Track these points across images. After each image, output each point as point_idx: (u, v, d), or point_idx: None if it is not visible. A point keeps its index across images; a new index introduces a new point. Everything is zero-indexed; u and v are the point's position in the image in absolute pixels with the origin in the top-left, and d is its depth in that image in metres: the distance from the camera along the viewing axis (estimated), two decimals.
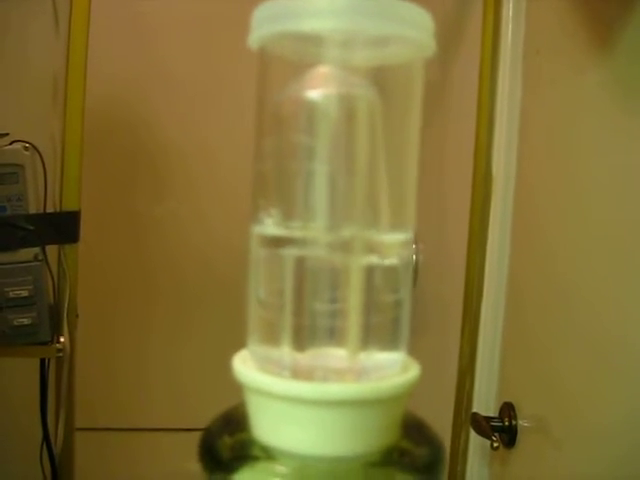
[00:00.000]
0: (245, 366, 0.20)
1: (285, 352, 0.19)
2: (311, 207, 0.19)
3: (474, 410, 1.13)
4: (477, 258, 1.13)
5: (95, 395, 1.53)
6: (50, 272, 1.16)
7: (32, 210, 1.12)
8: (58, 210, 1.16)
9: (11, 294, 1.11)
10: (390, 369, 0.20)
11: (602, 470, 0.87)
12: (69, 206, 1.15)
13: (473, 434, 1.13)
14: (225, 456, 0.19)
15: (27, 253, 1.13)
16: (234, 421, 0.20)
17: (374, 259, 0.20)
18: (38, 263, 1.13)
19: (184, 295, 1.77)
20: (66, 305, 1.16)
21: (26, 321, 1.12)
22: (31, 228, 1.12)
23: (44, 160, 1.15)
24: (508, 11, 1.11)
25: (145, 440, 1.76)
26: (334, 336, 0.19)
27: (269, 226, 0.20)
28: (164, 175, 1.75)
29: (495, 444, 1.03)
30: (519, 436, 1.05)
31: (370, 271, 0.20)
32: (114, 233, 1.71)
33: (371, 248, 0.20)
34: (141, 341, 1.76)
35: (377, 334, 0.20)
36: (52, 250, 1.17)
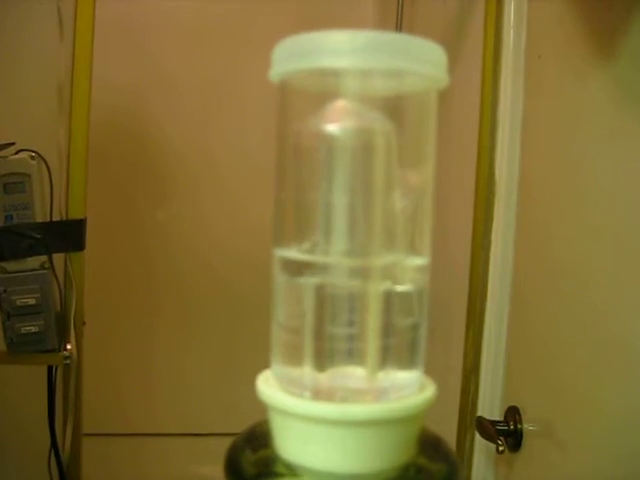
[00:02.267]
0: (268, 387, 0.21)
1: (306, 373, 0.20)
2: (331, 235, 0.19)
3: (479, 414, 1.13)
4: (481, 262, 1.13)
5: (101, 401, 1.54)
6: (57, 280, 1.17)
7: (38, 218, 1.13)
8: (64, 218, 1.16)
9: (18, 302, 1.12)
10: (408, 389, 0.20)
11: (607, 473, 0.87)
12: (75, 214, 1.16)
13: (478, 438, 1.13)
14: (249, 472, 0.20)
15: (34, 261, 1.14)
16: (257, 438, 0.21)
17: (392, 284, 0.20)
18: (45, 271, 1.14)
19: (188, 300, 1.78)
20: (73, 312, 1.17)
21: (33, 329, 1.13)
22: (38, 237, 1.13)
23: (50, 169, 1.16)
24: (510, 16, 1.12)
25: (150, 445, 1.76)
26: (353, 357, 0.20)
27: (291, 251, 0.20)
28: (167, 181, 1.76)
29: (501, 448, 1.03)
30: (524, 440, 1.05)
31: (388, 295, 0.20)
32: (118, 240, 1.72)
33: (389, 273, 0.20)
34: (146, 347, 1.77)
35: (395, 355, 0.20)
36: (58, 258, 1.18)
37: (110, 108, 1.56)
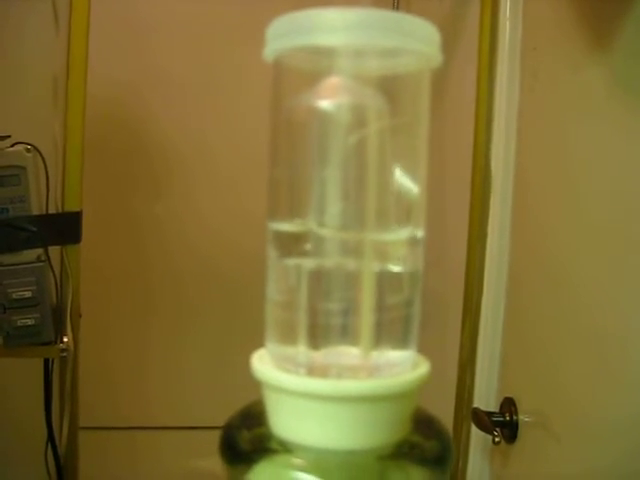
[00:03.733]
0: (263, 364, 0.21)
1: (301, 350, 0.20)
2: (324, 210, 0.19)
3: (475, 405, 1.14)
4: (477, 254, 1.14)
5: (96, 394, 1.54)
6: (53, 273, 1.17)
7: (34, 211, 1.13)
8: (60, 211, 1.16)
9: (15, 295, 1.12)
10: (401, 366, 0.21)
11: (602, 464, 0.88)
12: (71, 207, 1.16)
13: (474, 429, 1.14)
14: (245, 449, 0.20)
15: (30, 254, 1.14)
16: (253, 416, 0.21)
17: (385, 260, 0.20)
18: (41, 264, 1.14)
19: (184, 294, 1.78)
20: (69, 305, 1.16)
21: (29, 322, 1.13)
22: (34, 229, 1.13)
23: (46, 162, 1.16)
24: (506, 8, 1.12)
25: (146, 438, 1.76)
26: (348, 335, 0.20)
27: (284, 225, 0.20)
28: (163, 176, 1.76)
29: (497, 439, 1.03)
30: (520, 431, 1.05)
31: (381, 271, 0.20)
32: (114, 233, 1.72)
33: (382, 249, 0.20)
34: (141, 340, 1.77)
35: (388, 333, 0.21)
36: (54, 251, 1.18)
37: (107, 102, 1.56)
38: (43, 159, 1.15)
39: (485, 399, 1.13)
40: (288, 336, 0.21)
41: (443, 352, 1.23)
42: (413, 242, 0.21)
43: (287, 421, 0.20)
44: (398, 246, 0.20)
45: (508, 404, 1.07)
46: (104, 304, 1.70)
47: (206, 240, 1.77)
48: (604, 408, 0.88)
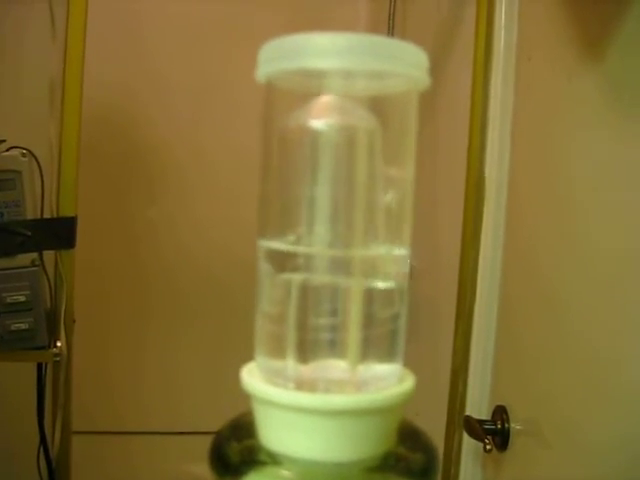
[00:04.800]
0: (252, 378, 0.21)
1: (289, 365, 0.21)
2: (313, 227, 0.20)
3: (467, 413, 1.14)
4: (470, 262, 1.14)
5: (91, 399, 1.54)
6: (47, 277, 1.17)
7: (29, 216, 1.13)
8: (55, 216, 1.17)
9: (8, 299, 1.12)
10: (387, 380, 0.21)
11: (593, 473, 0.88)
12: (66, 212, 1.17)
13: (466, 437, 1.14)
14: (234, 460, 0.21)
15: (24, 259, 1.14)
16: (242, 428, 0.22)
17: (373, 276, 0.21)
18: (35, 268, 1.14)
19: (179, 299, 1.78)
20: (63, 310, 1.17)
21: (23, 326, 1.13)
22: (29, 234, 1.13)
23: (41, 166, 1.16)
24: (501, 17, 1.13)
25: (141, 443, 1.76)
26: (335, 349, 0.21)
27: (274, 243, 0.21)
28: (158, 180, 1.76)
29: (488, 446, 1.04)
30: (511, 439, 1.06)
31: (369, 287, 0.21)
32: (109, 238, 1.72)
33: (370, 266, 0.21)
34: (137, 345, 1.77)
35: (375, 347, 0.21)
36: (49, 256, 1.18)
37: (103, 105, 1.56)
38: (38, 164, 1.16)
39: (477, 407, 1.14)
40: (277, 350, 0.21)
41: (436, 360, 1.23)
42: (399, 258, 0.21)
43: (276, 434, 0.20)
44: (385, 262, 0.21)
45: (500, 412, 1.08)
46: (100, 309, 1.70)
47: (201, 245, 1.77)
48: (595, 417, 0.88)
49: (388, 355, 0.21)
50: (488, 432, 1.07)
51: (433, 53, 1.34)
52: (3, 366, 1.32)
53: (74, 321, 1.19)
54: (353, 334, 0.20)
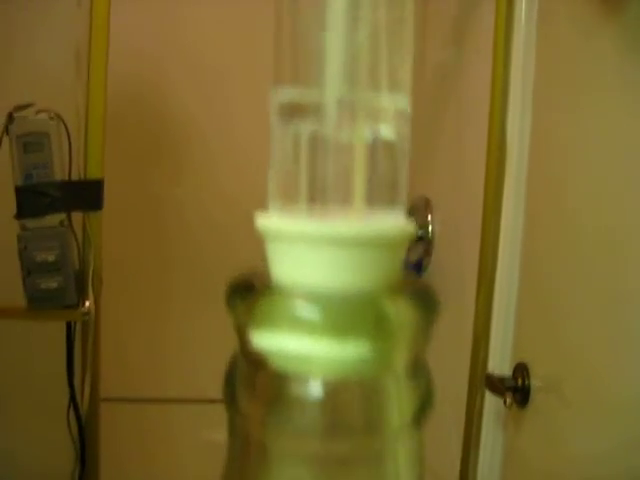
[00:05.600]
0: (265, 218, 0.23)
1: (300, 208, 0.22)
2: (323, 75, 0.21)
3: (489, 371, 1.15)
4: (492, 221, 1.15)
5: (110, 366, 1.54)
6: (75, 239, 1.19)
7: (57, 178, 1.16)
8: (82, 178, 1.19)
9: (38, 258, 1.14)
10: (392, 220, 0.22)
11: (613, 430, 0.89)
12: (93, 175, 1.19)
13: (488, 397, 1.16)
14: (248, 292, 0.22)
15: (53, 219, 1.16)
16: (257, 274, 0.23)
17: (377, 125, 0.22)
18: (64, 229, 1.16)
19: (203, 269, 1.79)
20: (91, 271, 1.19)
21: (53, 284, 1.15)
22: (57, 195, 1.15)
23: (69, 130, 1.18)
24: None
25: (160, 411, 1.77)
26: (342, 196, 0.22)
27: (287, 92, 0.22)
28: (185, 154, 1.77)
29: (508, 400, 1.05)
30: (532, 395, 1.07)
31: (374, 137, 0.22)
32: (134, 205, 1.73)
33: (374, 114, 0.22)
34: (159, 313, 1.78)
35: (379, 193, 0.22)
36: (77, 219, 1.20)
37: (130, 77, 1.57)
38: (66, 127, 1.18)
39: (499, 366, 1.15)
40: (288, 196, 0.23)
41: (459, 321, 1.24)
42: (402, 113, 0.22)
43: (288, 268, 0.22)
44: (389, 113, 0.22)
45: (521, 369, 1.09)
46: (122, 276, 1.71)
47: (227, 218, 1.78)
48: (615, 375, 0.89)
49: (391, 202, 0.22)
50: (509, 389, 1.08)
51: (455, 18, 1.34)
52: (33, 326, 1.35)
53: (102, 282, 1.22)
54: (359, 178, 0.21)
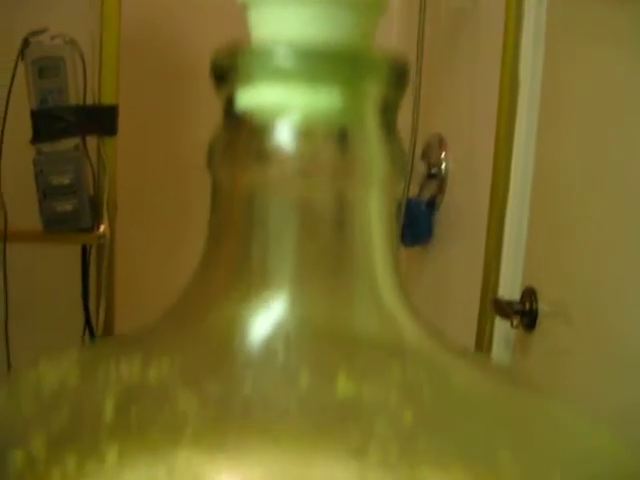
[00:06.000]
0: None
1: None
2: None
3: (499, 296, 1.16)
4: (504, 155, 1.15)
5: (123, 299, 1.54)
6: (90, 164, 1.21)
7: (72, 102, 1.17)
8: (97, 104, 1.20)
9: (54, 181, 1.16)
10: None
11: (616, 355, 0.90)
12: (107, 100, 1.20)
13: (498, 323, 1.17)
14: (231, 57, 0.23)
15: (68, 144, 1.18)
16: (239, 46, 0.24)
17: None
18: (78, 153, 1.18)
19: None
20: (106, 195, 1.21)
21: (68, 207, 1.17)
22: (72, 119, 1.17)
23: (83, 55, 1.19)
24: None
25: None
26: None
27: None
28: (202, 78, 1.74)
29: (515, 322, 1.06)
30: (539, 319, 1.08)
31: None
32: (151, 133, 1.70)
33: None
34: (174, 241, 1.76)
35: None
36: (91, 145, 1.21)
37: (141, 22, 1.55)
38: (81, 52, 1.19)
39: (509, 291, 1.16)
40: None
41: (471, 249, 1.25)
42: None
43: (267, 29, 0.23)
44: None
45: (529, 293, 1.10)
46: (135, 205, 1.69)
47: None
48: (621, 300, 0.90)
49: None
50: (516, 313, 1.09)
51: None
52: (48, 250, 1.37)
53: (116, 208, 1.23)
54: None
